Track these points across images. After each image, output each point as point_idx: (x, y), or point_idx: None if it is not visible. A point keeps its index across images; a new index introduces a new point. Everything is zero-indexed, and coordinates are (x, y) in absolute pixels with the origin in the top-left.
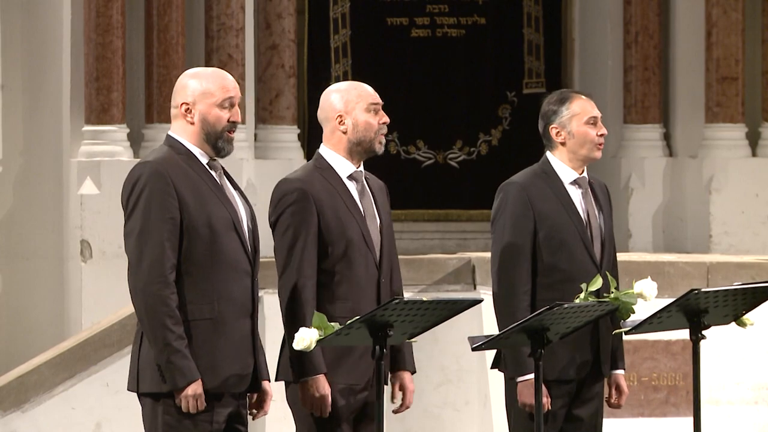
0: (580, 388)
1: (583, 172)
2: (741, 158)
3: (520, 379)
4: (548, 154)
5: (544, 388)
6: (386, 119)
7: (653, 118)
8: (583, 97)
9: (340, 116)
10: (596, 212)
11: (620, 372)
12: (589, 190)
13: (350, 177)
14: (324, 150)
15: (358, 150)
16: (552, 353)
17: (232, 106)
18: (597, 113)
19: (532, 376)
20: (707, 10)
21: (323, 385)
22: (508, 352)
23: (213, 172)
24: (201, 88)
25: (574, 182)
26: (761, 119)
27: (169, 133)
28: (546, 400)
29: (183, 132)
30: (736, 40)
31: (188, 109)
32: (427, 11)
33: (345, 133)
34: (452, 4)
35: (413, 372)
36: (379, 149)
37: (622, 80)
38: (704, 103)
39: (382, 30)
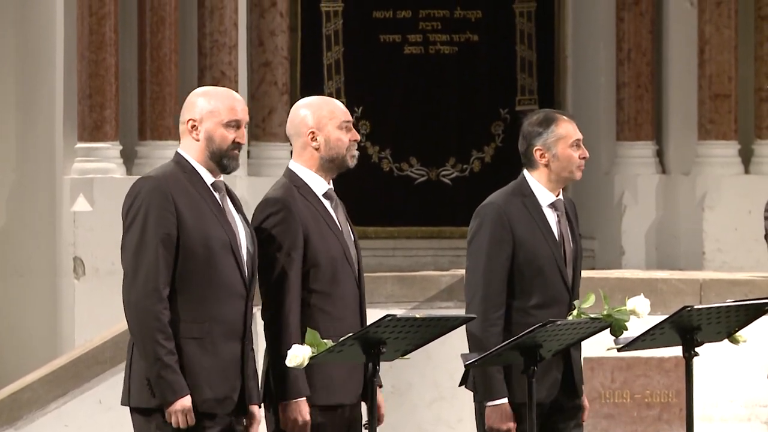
0: (555, 407)
1: (559, 194)
2: (734, 175)
3: (489, 403)
4: (526, 173)
5: (511, 412)
6: (357, 137)
7: (646, 135)
8: (566, 118)
9: (312, 132)
10: (569, 235)
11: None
12: (564, 212)
13: (325, 195)
14: (296, 166)
15: (330, 166)
16: (521, 377)
17: (238, 127)
18: (580, 135)
19: (501, 401)
20: (700, 27)
21: (305, 409)
22: (478, 375)
23: (216, 193)
24: (209, 106)
25: (551, 205)
26: (754, 136)
27: (178, 149)
28: (512, 425)
29: (189, 149)
30: (728, 57)
31: (194, 126)
32: (420, 28)
33: (317, 149)
34: (445, 21)
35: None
36: (352, 162)
37: (615, 97)
38: (697, 120)
39: (375, 47)
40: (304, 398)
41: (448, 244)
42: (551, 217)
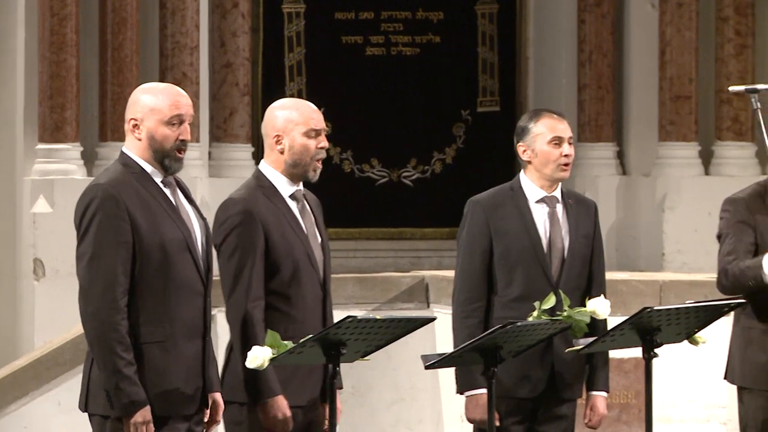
0: (538, 406)
1: (554, 190)
2: (694, 177)
3: (466, 393)
4: (521, 171)
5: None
6: (325, 144)
7: (607, 137)
8: (554, 116)
9: (278, 136)
10: (564, 231)
11: (598, 393)
12: (563, 208)
13: (291, 196)
14: (264, 167)
15: (294, 172)
16: (503, 370)
17: (181, 123)
18: (564, 133)
19: (478, 391)
20: (661, 28)
21: (284, 406)
22: (457, 368)
23: (167, 190)
24: (150, 104)
25: (541, 201)
26: (714, 138)
27: (123, 149)
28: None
29: (134, 148)
30: (689, 58)
31: (136, 125)
32: (381, 30)
33: (282, 153)
34: (407, 22)
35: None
36: (312, 177)
37: (576, 99)
38: (657, 122)
39: (336, 49)
40: (281, 395)
41: (409, 245)
42: (539, 212)
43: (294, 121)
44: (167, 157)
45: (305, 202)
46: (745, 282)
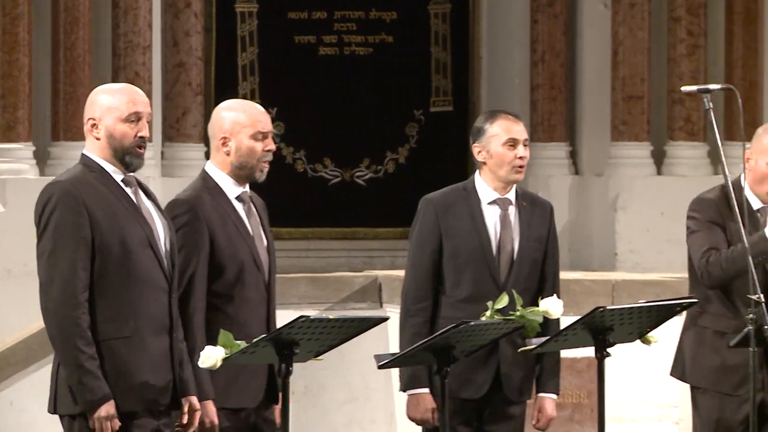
0: (484, 407)
1: (507, 192)
2: (646, 177)
3: (409, 392)
4: (477, 172)
5: (433, 403)
6: (272, 147)
7: (559, 137)
8: (510, 117)
9: (225, 138)
10: (515, 234)
11: (547, 395)
12: (516, 210)
13: (238, 198)
14: (210, 168)
15: (240, 174)
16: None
17: (138, 119)
18: (519, 135)
19: (420, 390)
20: (613, 29)
21: (212, 411)
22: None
23: (128, 189)
24: (107, 103)
25: (493, 202)
26: (666, 138)
27: (83, 151)
28: (431, 415)
29: (94, 148)
30: (641, 59)
31: (94, 124)
32: (334, 29)
33: (228, 155)
34: (360, 22)
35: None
36: (260, 177)
37: (529, 99)
38: (610, 122)
39: (289, 48)
40: (211, 400)
41: (361, 245)
42: (491, 213)
43: (241, 123)
44: (127, 154)
45: (251, 203)
46: (744, 262)
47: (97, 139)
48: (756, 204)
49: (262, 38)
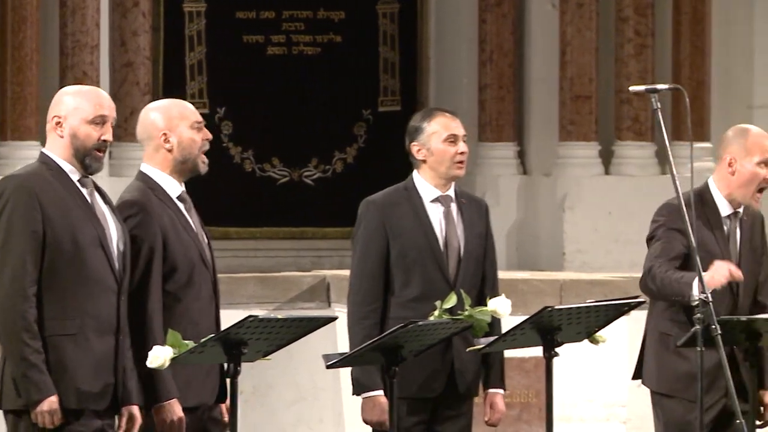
0: (439, 404)
1: (447, 189)
2: (594, 176)
3: (363, 395)
4: (414, 171)
5: (387, 404)
6: (209, 136)
7: (508, 137)
8: (447, 114)
9: (165, 134)
10: (459, 231)
11: (496, 391)
12: (456, 207)
13: (179, 197)
14: (148, 169)
15: (183, 168)
16: (404, 371)
17: (104, 123)
18: (458, 131)
19: (374, 393)
20: (561, 29)
21: (178, 408)
22: (354, 370)
23: (84, 189)
24: (74, 103)
25: (436, 200)
26: (614, 137)
27: (43, 149)
28: (386, 417)
29: (54, 147)
30: (589, 59)
31: (59, 122)
32: (283, 29)
33: (170, 151)
34: (308, 22)
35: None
36: (203, 169)
37: (477, 98)
38: (558, 122)
39: (237, 48)
40: (176, 398)
41: (309, 244)
42: (434, 211)
43: (177, 117)
44: (88, 156)
45: (190, 202)
46: (670, 293)
47: (60, 137)
48: (725, 210)
49: (210, 38)
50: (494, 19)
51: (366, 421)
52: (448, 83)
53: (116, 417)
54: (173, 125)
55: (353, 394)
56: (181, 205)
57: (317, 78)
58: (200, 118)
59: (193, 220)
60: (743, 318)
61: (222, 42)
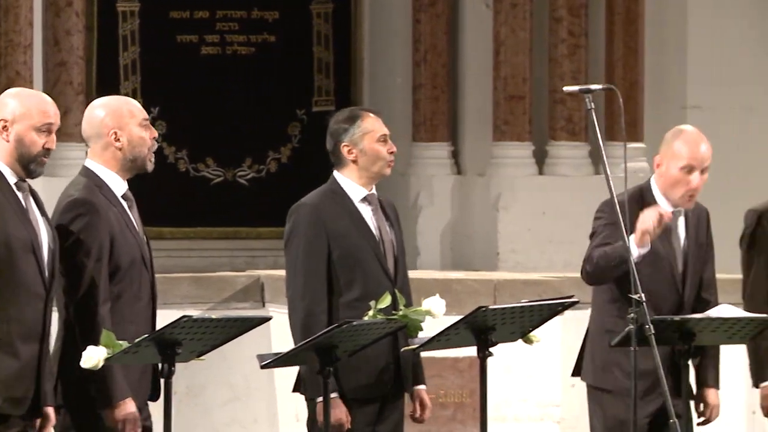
0: (383, 404)
1: (372, 189)
2: (528, 176)
3: (319, 399)
4: (336, 173)
5: (342, 404)
6: (155, 134)
7: (442, 137)
8: (372, 115)
9: (115, 132)
10: (388, 228)
11: (423, 387)
12: (380, 206)
13: (123, 196)
14: (94, 166)
15: (131, 166)
16: (355, 373)
17: (49, 132)
18: (386, 131)
19: (330, 396)
20: (495, 29)
21: (134, 408)
22: (305, 372)
23: (19, 193)
24: (22, 108)
25: (364, 200)
26: (548, 138)
27: None
28: (345, 418)
29: None
30: (523, 59)
31: (5, 126)
32: (217, 29)
33: (120, 149)
34: (242, 22)
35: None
36: (150, 167)
37: (411, 98)
38: (492, 122)
39: (171, 47)
40: (130, 397)
41: (244, 244)
42: (365, 211)
43: (126, 115)
44: (32, 162)
45: (133, 200)
46: (611, 263)
47: (6, 141)
48: (666, 208)
49: (143, 37)
50: (428, 19)
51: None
52: (382, 83)
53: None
54: (123, 123)
55: (307, 399)
56: (125, 204)
57: (251, 78)
58: (147, 116)
59: (135, 219)
60: (677, 318)
61: (156, 42)
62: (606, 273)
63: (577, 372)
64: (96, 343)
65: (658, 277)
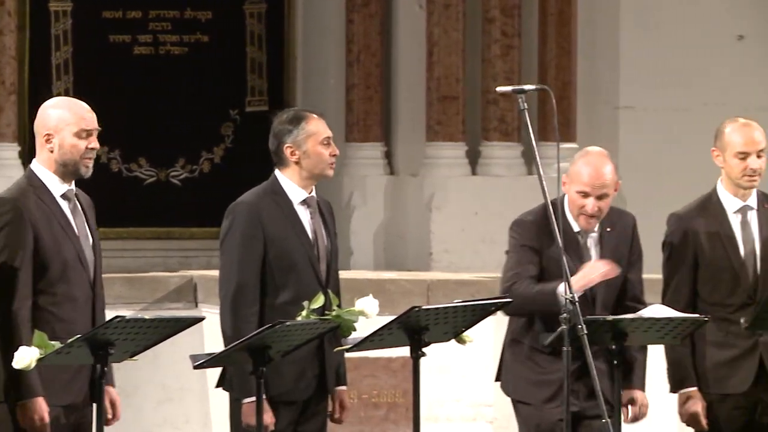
0: (306, 405)
1: (311, 191)
2: (461, 177)
3: (246, 400)
4: (278, 173)
5: (268, 407)
6: (95, 145)
7: (375, 137)
8: (316, 116)
9: (48, 135)
10: (323, 232)
11: (343, 388)
12: (317, 208)
13: (63, 196)
14: (36, 166)
15: (65, 171)
16: (280, 374)
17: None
18: (330, 133)
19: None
20: (428, 29)
21: (43, 408)
22: (234, 372)
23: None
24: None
25: (303, 202)
26: (481, 138)
27: None
28: (270, 420)
29: None
30: (456, 59)
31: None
32: (150, 29)
33: (52, 152)
34: (175, 22)
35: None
36: (85, 172)
37: (345, 98)
38: (425, 122)
39: (104, 47)
40: (41, 397)
41: (177, 245)
42: (303, 214)
43: (65, 120)
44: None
45: (77, 201)
46: (535, 306)
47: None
48: (577, 226)
49: (76, 37)
50: (361, 19)
51: (249, 426)
52: (316, 83)
53: None
54: (59, 128)
55: (234, 400)
56: (64, 204)
57: (184, 78)
58: (91, 126)
59: (76, 219)
60: (609, 318)
61: (88, 41)
62: (529, 313)
63: (498, 377)
64: (13, 341)
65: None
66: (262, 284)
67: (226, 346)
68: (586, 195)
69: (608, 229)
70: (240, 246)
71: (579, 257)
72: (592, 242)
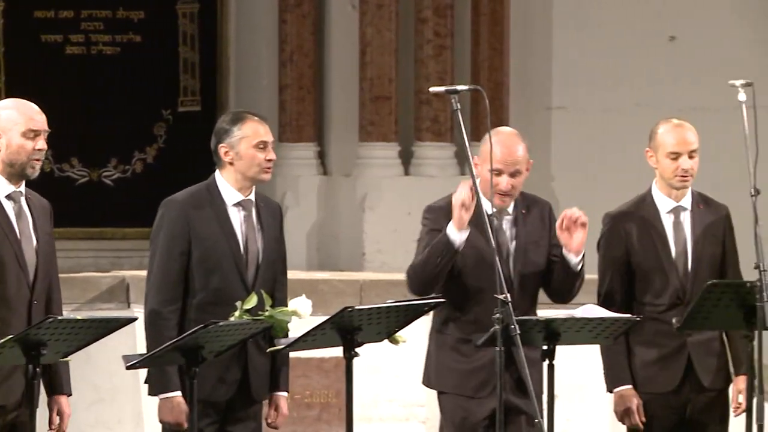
0: (231, 407)
1: (249, 194)
2: (394, 177)
3: (160, 396)
4: (216, 173)
5: (185, 407)
6: (43, 146)
7: (308, 137)
8: (256, 119)
9: None
10: (258, 236)
11: (281, 393)
12: (256, 212)
13: (8, 197)
14: None
15: (12, 171)
16: (200, 375)
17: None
18: (268, 138)
19: (171, 394)
20: (361, 29)
21: None
22: (152, 369)
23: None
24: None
25: (238, 204)
26: (414, 138)
27: None
28: (185, 418)
29: None
30: (389, 59)
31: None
32: (81, 28)
33: None
34: (107, 21)
35: (69, 395)
36: (31, 173)
37: (277, 99)
38: (358, 122)
39: (36, 47)
40: None
41: (109, 245)
42: (236, 216)
43: (14, 120)
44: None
45: (23, 203)
46: (431, 260)
47: None
48: (491, 208)
49: (7, 37)
50: (294, 19)
51: (162, 422)
52: (249, 83)
53: None
54: (7, 128)
55: (149, 395)
56: (8, 205)
57: (117, 78)
58: (39, 127)
59: (20, 221)
60: (541, 318)
61: (20, 41)
62: (428, 272)
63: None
64: None
65: (483, 276)
66: (186, 282)
67: (148, 343)
68: (499, 173)
69: (523, 212)
70: (165, 244)
71: (496, 239)
72: (507, 224)
